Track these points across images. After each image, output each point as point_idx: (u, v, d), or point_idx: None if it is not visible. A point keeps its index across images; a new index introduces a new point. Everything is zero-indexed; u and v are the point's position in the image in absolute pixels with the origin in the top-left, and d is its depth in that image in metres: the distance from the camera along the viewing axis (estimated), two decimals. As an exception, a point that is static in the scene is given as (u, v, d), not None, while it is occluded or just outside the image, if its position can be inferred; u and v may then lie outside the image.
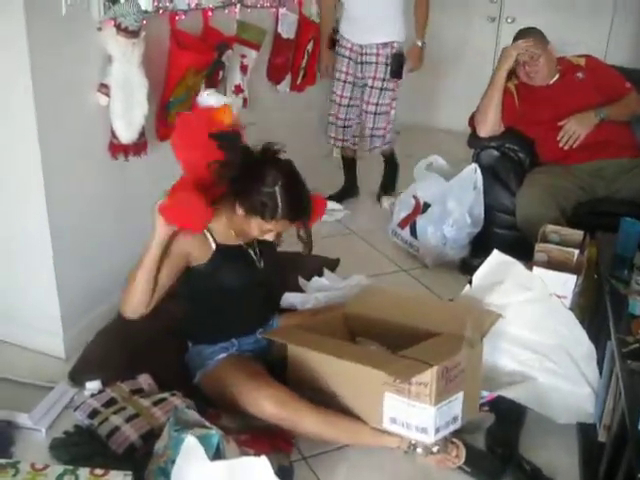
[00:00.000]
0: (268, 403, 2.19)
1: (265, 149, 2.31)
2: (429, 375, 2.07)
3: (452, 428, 2.21)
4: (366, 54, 4.20)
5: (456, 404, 2.19)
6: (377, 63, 4.19)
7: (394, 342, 2.34)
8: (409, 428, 2.16)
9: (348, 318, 2.59)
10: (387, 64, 4.18)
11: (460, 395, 2.20)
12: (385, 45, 4.16)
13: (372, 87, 4.23)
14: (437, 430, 2.14)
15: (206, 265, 2.32)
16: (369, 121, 4.34)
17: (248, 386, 2.25)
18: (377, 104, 4.27)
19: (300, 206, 2.29)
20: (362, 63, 4.23)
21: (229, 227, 2.37)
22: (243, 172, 2.24)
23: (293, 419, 2.20)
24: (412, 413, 2.14)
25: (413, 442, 2.19)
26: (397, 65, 4.21)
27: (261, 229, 2.30)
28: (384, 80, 4.21)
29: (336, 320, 2.58)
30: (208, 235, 2.33)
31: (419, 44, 4.30)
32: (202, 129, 2.35)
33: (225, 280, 2.38)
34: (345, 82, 4.31)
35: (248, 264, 2.45)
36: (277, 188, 2.20)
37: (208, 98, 2.50)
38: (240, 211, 2.29)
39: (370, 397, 2.21)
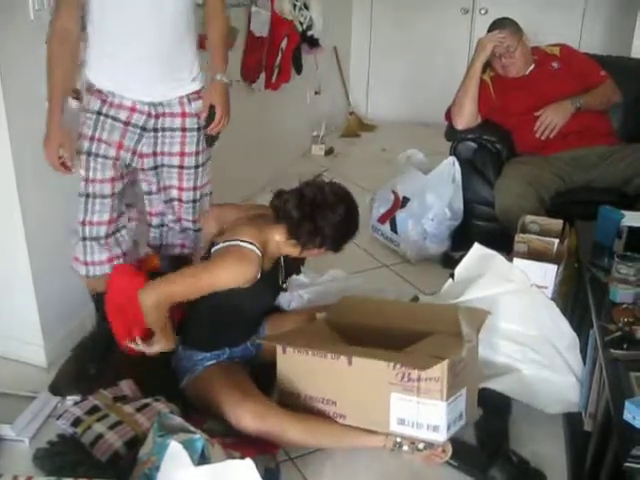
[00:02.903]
0: (249, 419, 2.18)
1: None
2: (439, 369, 2.02)
3: (459, 425, 2.16)
4: (163, 115, 2.51)
5: (461, 400, 2.15)
6: (185, 129, 2.55)
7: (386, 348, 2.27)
8: (419, 428, 2.10)
9: (335, 328, 2.49)
10: (199, 127, 2.58)
11: (464, 391, 2.16)
12: (193, 97, 2.55)
13: (183, 167, 2.59)
14: (448, 427, 2.09)
15: (245, 289, 2.27)
16: (182, 212, 2.69)
17: (231, 400, 2.23)
18: (195, 188, 2.65)
19: (353, 234, 2.34)
20: (155, 131, 2.52)
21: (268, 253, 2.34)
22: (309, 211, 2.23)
23: (275, 432, 2.18)
24: (422, 411, 2.08)
25: (398, 440, 2.18)
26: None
27: (308, 253, 2.34)
28: (198, 153, 2.61)
29: (325, 331, 2.48)
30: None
31: (224, 79, 2.58)
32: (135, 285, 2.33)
33: (248, 303, 2.37)
34: (117, 159, 2.49)
35: (274, 287, 2.47)
36: (339, 220, 2.24)
37: None
38: (290, 240, 2.28)
39: (375, 399, 2.15)
